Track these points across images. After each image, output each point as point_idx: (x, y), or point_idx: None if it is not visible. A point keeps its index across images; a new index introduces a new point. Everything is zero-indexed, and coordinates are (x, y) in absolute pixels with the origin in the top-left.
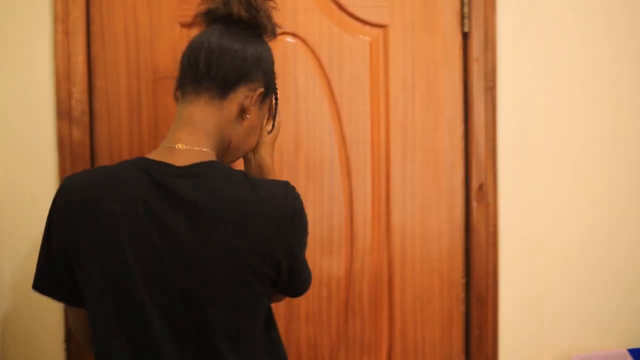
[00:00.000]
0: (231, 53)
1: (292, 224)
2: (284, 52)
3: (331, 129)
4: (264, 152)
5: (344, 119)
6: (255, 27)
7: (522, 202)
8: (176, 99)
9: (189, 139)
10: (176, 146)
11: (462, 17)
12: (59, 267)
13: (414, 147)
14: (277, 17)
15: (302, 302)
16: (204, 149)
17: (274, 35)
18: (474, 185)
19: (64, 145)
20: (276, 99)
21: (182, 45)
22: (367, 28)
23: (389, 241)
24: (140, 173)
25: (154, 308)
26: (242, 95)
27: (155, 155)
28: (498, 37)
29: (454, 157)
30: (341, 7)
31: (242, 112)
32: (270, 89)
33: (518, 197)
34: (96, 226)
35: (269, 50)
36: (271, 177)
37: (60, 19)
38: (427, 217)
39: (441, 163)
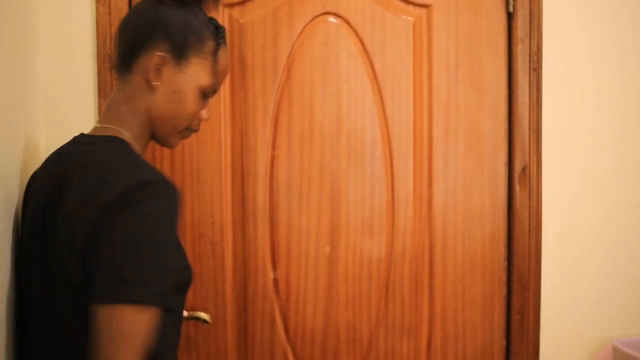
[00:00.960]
0: (129, 25)
1: (140, 192)
2: (327, 32)
3: (373, 110)
4: None
5: (386, 100)
6: None
7: (566, 185)
8: None
9: (104, 118)
10: (96, 125)
11: None
12: None
13: (457, 129)
14: None
15: (341, 285)
16: (110, 126)
17: (216, 3)
18: (517, 167)
19: None
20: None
21: (224, 25)
22: (411, 8)
23: (430, 223)
24: (66, 145)
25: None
26: (143, 64)
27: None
28: (544, 18)
29: (497, 138)
30: None
31: (147, 81)
32: (184, 50)
33: (562, 179)
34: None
35: (178, 12)
36: None
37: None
38: (469, 200)
39: (484, 145)
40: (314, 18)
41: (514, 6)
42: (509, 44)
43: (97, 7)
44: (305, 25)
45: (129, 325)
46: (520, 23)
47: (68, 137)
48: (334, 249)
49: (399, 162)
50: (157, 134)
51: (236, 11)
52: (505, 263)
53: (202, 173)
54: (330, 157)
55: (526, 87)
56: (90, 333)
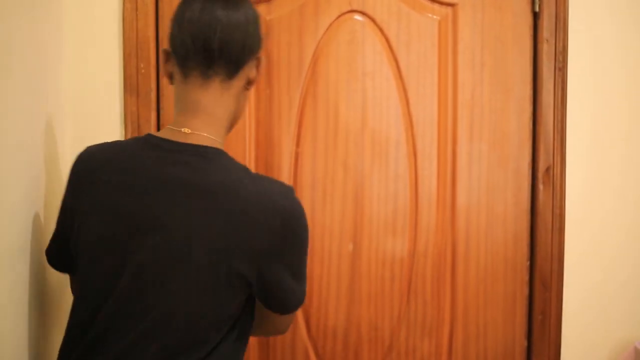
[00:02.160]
0: (239, 28)
1: (286, 227)
2: (352, 29)
3: (398, 108)
4: None
5: (411, 99)
6: None
7: (590, 186)
8: (170, 78)
9: (197, 125)
10: (182, 129)
11: None
12: (62, 231)
13: (481, 128)
14: None
15: (363, 283)
16: (211, 136)
17: None
18: (541, 167)
19: (130, 120)
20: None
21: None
22: (436, 6)
23: (453, 222)
24: (144, 147)
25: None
26: (248, 69)
27: (162, 134)
28: (570, 17)
29: (522, 138)
30: None
31: (249, 84)
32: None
33: (586, 180)
34: (92, 192)
35: (256, 12)
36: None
37: None
38: (492, 199)
39: (508, 144)
40: (339, 16)
41: (539, 6)
42: (534, 43)
43: (124, 4)
44: (331, 23)
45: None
46: (546, 23)
47: (95, 134)
48: (357, 247)
49: (423, 161)
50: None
51: (262, 8)
52: (528, 263)
53: None
54: (354, 154)
55: (551, 87)
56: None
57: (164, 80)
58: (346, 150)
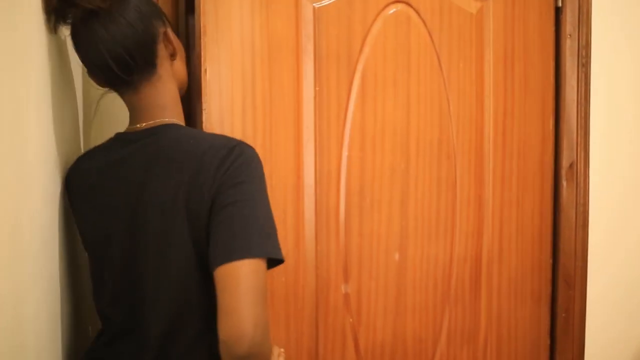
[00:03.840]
0: (129, 39)
1: (231, 158)
2: (397, 22)
3: (439, 107)
4: None
5: (450, 96)
6: None
7: (614, 182)
8: (109, 89)
9: (148, 117)
10: (137, 126)
11: None
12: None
13: (512, 126)
14: None
15: (408, 293)
16: (164, 119)
17: None
18: (565, 163)
19: None
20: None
21: (299, 12)
22: (473, 1)
23: (488, 224)
24: (113, 145)
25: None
26: (163, 51)
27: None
28: (593, 12)
29: (545, 134)
30: None
31: (172, 57)
32: (162, 14)
33: (609, 176)
34: (83, 195)
35: (127, 5)
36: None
37: None
38: (522, 198)
39: (533, 141)
40: (386, 6)
41: (562, 1)
42: (556, 39)
43: None
44: (378, 14)
45: (262, 277)
46: (569, 18)
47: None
48: (402, 256)
49: (462, 161)
50: (182, 93)
51: None
52: (551, 261)
53: (276, 176)
54: (400, 157)
55: (574, 83)
56: (224, 294)
57: (207, 75)
58: (393, 152)
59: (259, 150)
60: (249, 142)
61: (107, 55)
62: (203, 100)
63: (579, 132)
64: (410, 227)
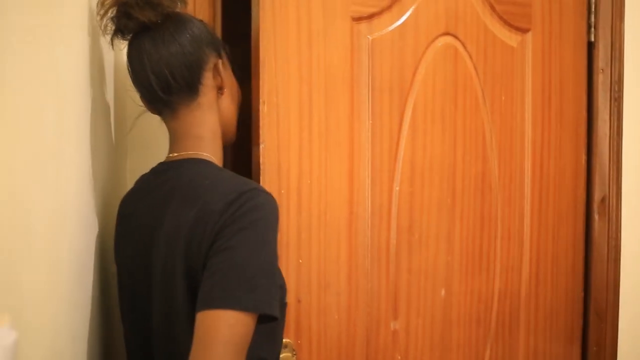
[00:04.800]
0: (175, 58)
1: (237, 204)
2: (445, 54)
3: (482, 141)
4: None
5: (493, 131)
6: (169, 16)
7: None
8: (151, 112)
9: (182, 148)
10: (170, 155)
11: (589, 26)
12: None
13: (549, 160)
14: None
15: (453, 330)
16: (196, 152)
17: (183, 2)
18: (597, 197)
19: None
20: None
21: (354, 42)
22: (513, 33)
23: (526, 258)
24: (149, 176)
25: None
26: (209, 80)
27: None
28: (625, 47)
29: (578, 168)
30: (493, 9)
31: (220, 90)
32: (219, 48)
33: None
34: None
35: (195, 22)
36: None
37: None
38: (556, 231)
39: (567, 175)
40: (435, 38)
41: (595, 35)
42: (589, 73)
43: None
44: (428, 46)
45: (238, 332)
46: (601, 53)
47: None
48: (448, 291)
49: (502, 195)
50: (226, 136)
51: (364, 26)
52: (582, 294)
53: (330, 212)
54: (446, 192)
55: (606, 117)
56: (196, 341)
57: (265, 107)
58: (440, 187)
59: (314, 187)
60: (305, 177)
61: (150, 69)
62: (260, 134)
63: (611, 166)
64: (456, 263)
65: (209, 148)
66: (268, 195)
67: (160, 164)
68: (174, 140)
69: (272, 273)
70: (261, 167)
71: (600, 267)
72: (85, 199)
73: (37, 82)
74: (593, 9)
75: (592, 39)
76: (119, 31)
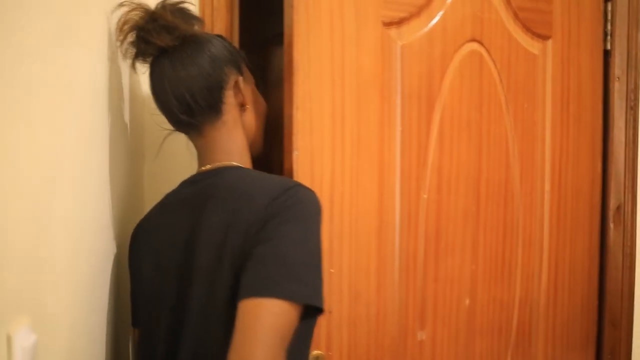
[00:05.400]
0: (194, 80)
1: (283, 198)
2: (472, 61)
3: (504, 149)
4: None
5: (515, 138)
6: (186, 38)
7: None
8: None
9: (211, 161)
10: (202, 168)
11: (605, 34)
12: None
13: (567, 166)
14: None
15: (477, 340)
16: (224, 162)
17: (201, 22)
18: (612, 205)
19: None
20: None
21: (385, 48)
22: (535, 40)
23: (545, 266)
24: (178, 190)
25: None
26: (231, 98)
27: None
28: None
29: (594, 176)
30: (516, 16)
31: (242, 107)
32: (240, 64)
33: None
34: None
35: (213, 41)
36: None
37: None
38: (574, 239)
39: (583, 182)
40: (463, 44)
41: (611, 43)
42: (605, 81)
43: None
44: (455, 52)
45: (283, 321)
46: (618, 61)
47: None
48: (472, 300)
49: (524, 203)
50: (253, 148)
51: (394, 32)
52: (597, 302)
53: (362, 220)
54: (471, 200)
55: (622, 125)
56: (238, 329)
57: (299, 113)
58: (466, 195)
59: (346, 195)
60: (337, 185)
61: (171, 93)
62: (294, 140)
63: (626, 174)
64: (480, 271)
65: (239, 159)
66: (312, 191)
67: (193, 176)
68: (204, 156)
69: (318, 266)
70: (294, 174)
71: (615, 275)
72: (104, 203)
73: (57, 86)
74: (609, 17)
75: (609, 47)
76: (139, 55)
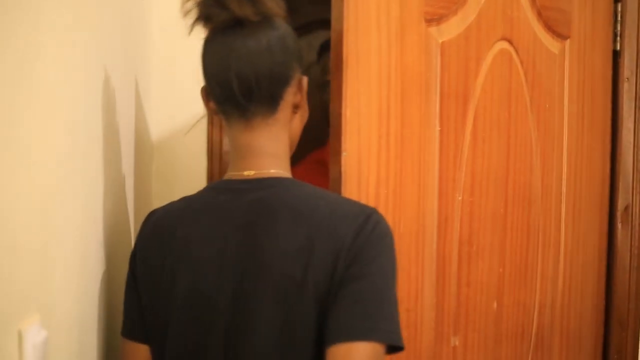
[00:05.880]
0: (264, 65)
1: (369, 228)
2: (502, 60)
3: (528, 150)
4: None
5: (537, 140)
6: (266, 18)
7: None
8: (215, 113)
9: (256, 165)
10: (244, 173)
11: (615, 35)
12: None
13: (582, 167)
14: None
15: (502, 344)
16: (276, 169)
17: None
18: (620, 206)
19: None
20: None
21: (428, 47)
22: (555, 40)
23: (561, 268)
24: (214, 195)
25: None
26: (290, 96)
27: (226, 178)
28: None
29: (603, 177)
30: (540, 15)
31: (295, 108)
32: (303, 64)
33: None
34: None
35: (289, 31)
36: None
37: None
38: (586, 240)
39: (595, 182)
40: (495, 42)
41: (620, 44)
42: (614, 82)
43: None
44: (488, 50)
45: None
46: (627, 61)
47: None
48: (499, 304)
49: (544, 204)
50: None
51: (434, 29)
52: (604, 302)
53: (404, 224)
54: (500, 202)
55: (631, 125)
56: None
57: (348, 111)
58: (495, 197)
59: (390, 197)
60: (382, 188)
61: (235, 70)
62: (343, 141)
63: (634, 175)
64: (506, 274)
65: (284, 166)
66: (384, 217)
67: (231, 181)
68: (245, 156)
69: (397, 301)
70: (342, 177)
71: (622, 276)
72: (113, 202)
73: (67, 84)
74: (619, 18)
75: (618, 48)
76: (207, 19)
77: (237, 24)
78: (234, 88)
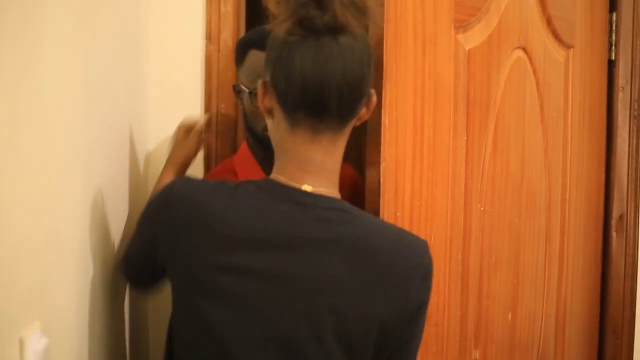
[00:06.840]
0: (354, 78)
1: (424, 283)
2: (518, 68)
3: (542, 159)
4: None
5: (549, 148)
6: (366, 30)
7: None
8: (269, 113)
9: (315, 181)
10: (302, 187)
11: (610, 44)
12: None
13: (582, 175)
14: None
15: (515, 355)
16: (330, 190)
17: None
18: (615, 214)
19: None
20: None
21: (457, 55)
22: (561, 48)
23: (564, 277)
24: (269, 199)
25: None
26: (359, 113)
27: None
28: None
29: (599, 185)
30: (549, 23)
31: (358, 120)
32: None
33: None
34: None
35: (367, 42)
36: None
37: None
38: (586, 248)
39: (592, 190)
40: (512, 51)
41: (615, 53)
42: (609, 91)
43: (207, 46)
44: (507, 58)
45: None
46: (622, 71)
47: None
48: (513, 316)
49: (553, 214)
50: None
51: (461, 36)
52: (599, 310)
53: (435, 235)
54: (515, 211)
55: (626, 134)
56: None
57: (387, 120)
58: (512, 206)
59: (423, 207)
60: (416, 199)
61: (329, 77)
62: (382, 150)
63: (629, 184)
64: (519, 285)
65: (336, 183)
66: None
67: (292, 192)
68: (304, 168)
69: None
70: (381, 188)
71: (617, 284)
72: (112, 204)
73: (69, 84)
74: (614, 27)
75: (613, 57)
76: (307, 21)
77: (337, 32)
78: (327, 105)
